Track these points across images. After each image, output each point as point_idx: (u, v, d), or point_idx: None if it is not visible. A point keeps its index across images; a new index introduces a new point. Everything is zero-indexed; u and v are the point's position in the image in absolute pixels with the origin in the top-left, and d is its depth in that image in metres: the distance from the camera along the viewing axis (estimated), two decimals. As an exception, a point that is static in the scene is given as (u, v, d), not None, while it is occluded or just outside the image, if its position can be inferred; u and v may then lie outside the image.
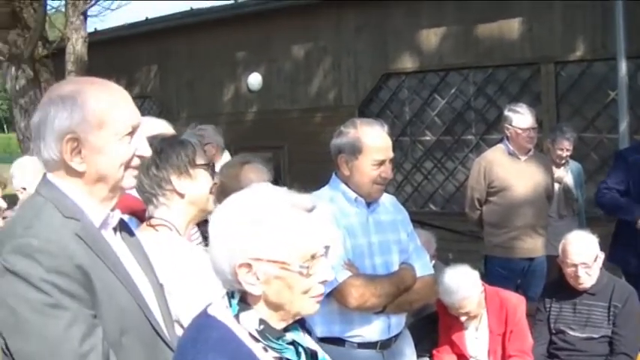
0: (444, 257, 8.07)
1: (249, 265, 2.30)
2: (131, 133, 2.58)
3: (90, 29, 12.80)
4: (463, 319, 5.99)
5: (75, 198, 2.57)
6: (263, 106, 15.63)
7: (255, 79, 15.44)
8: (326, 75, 14.75)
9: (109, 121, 2.53)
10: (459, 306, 5.90)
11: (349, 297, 4.13)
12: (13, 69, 11.72)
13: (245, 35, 15.47)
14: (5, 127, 70.77)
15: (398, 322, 4.48)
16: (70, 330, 2.35)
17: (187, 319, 2.87)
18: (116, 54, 16.35)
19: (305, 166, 13.15)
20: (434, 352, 6.17)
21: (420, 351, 4.82)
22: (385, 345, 4.40)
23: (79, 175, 2.56)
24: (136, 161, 2.63)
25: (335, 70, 14.68)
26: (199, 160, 3.37)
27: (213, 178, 3.46)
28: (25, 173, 6.06)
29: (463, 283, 5.86)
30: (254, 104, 15.83)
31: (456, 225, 10.99)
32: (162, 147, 3.30)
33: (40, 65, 12.30)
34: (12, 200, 5.91)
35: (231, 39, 15.71)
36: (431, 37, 13.29)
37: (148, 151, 2.66)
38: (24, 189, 5.91)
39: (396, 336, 4.48)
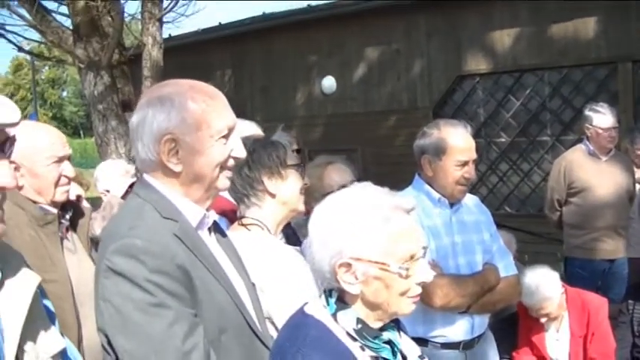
0: (519, 260, 8.00)
1: (348, 265, 2.32)
2: (227, 135, 2.62)
3: (164, 35, 12.90)
4: (543, 320, 5.94)
5: (172, 199, 2.62)
6: (337, 109, 15.63)
7: (328, 82, 15.48)
8: (399, 77, 14.71)
9: (206, 122, 2.57)
10: (540, 307, 5.85)
11: (434, 297, 4.12)
12: (92, 75, 11.88)
13: (318, 39, 15.51)
14: (81, 132, 72.07)
15: (481, 322, 4.47)
16: (173, 328, 2.39)
17: (279, 318, 2.92)
18: (191, 59, 16.50)
19: (379, 168, 13.15)
20: (514, 354, 6.12)
21: (499, 352, 4.78)
22: (468, 345, 4.39)
23: (176, 175, 2.61)
24: (231, 162, 2.67)
25: (408, 72, 14.63)
26: (290, 161, 3.41)
27: (303, 178, 3.49)
28: (108, 176, 6.17)
29: (543, 284, 5.81)
30: (328, 107, 15.84)
31: (532, 227, 10.88)
32: (254, 148, 3.34)
33: (117, 71, 12.45)
34: (94, 202, 6.02)
35: (304, 42, 15.76)
36: (504, 38, 13.17)
37: (243, 153, 2.69)
38: (107, 191, 6.03)
39: (479, 337, 4.46)
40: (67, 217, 3.75)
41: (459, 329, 4.37)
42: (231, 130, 2.64)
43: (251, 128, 4.13)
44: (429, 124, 4.54)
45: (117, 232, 2.56)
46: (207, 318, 2.51)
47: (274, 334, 2.92)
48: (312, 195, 4.29)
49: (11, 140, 1.80)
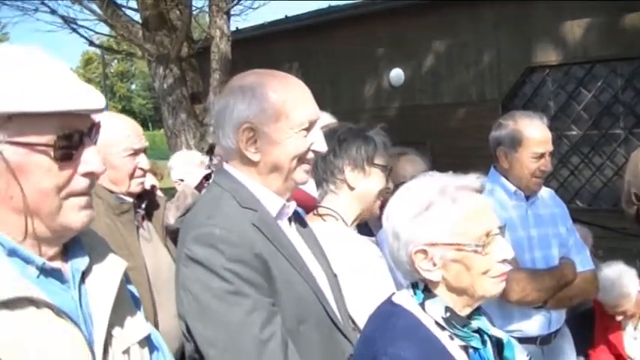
0: (595, 255, 7.85)
1: (424, 252, 2.32)
2: (308, 128, 2.61)
3: (232, 28, 12.97)
4: (619, 318, 5.81)
5: (251, 188, 2.63)
6: (405, 101, 15.58)
7: (397, 75, 15.43)
8: (468, 69, 14.59)
9: (285, 114, 2.57)
10: (616, 304, 5.72)
11: (510, 291, 4.03)
12: (161, 68, 12.01)
13: (386, 31, 15.47)
14: (150, 125, 73.15)
15: (558, 317, 4.37)
16: (251, 317, 2.40)
17: (355, 308, 2.93)
18: (258, 52, 16.55)
19: (448, 161, 12.92)
20: (590, 351, 5.99)
21: (575, 349, 4.67)
22: (545, 341, 4.30)
23: (254, 164, 2.62)
24: (310, 156, 2.65)
25: (477, 64, 14.50)
26: (378, 160, 3.36)
27: (387, 181, 3.45)
28: (183, 166, 6.21)
29: (620, 281, 5.69)
30: (396, 100, 15.79)
31: (605, 221, 10.66)
32: (345, 137, 3.32)
33: (186, 64, 12.59)
34: (167, 192, 6.05)
35: (371, 35, 15.73)
36: (575, 29, 12.98)
37: (323, 147, 2.67)
38: (181, 181, 6.06)
39: (556, 332, 4.37)
40: (143, 206, 3.80)
41: (535, 324, 4.29)
42: (312, 123, 2.63)
43: (326, 118, 4.09)
44: (505, 116, 4.48)
45: (196, 220, 2.59)
46: (286, 307, 2.51)
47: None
48: None
49: (97, 127, 1.83)
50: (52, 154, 1.72)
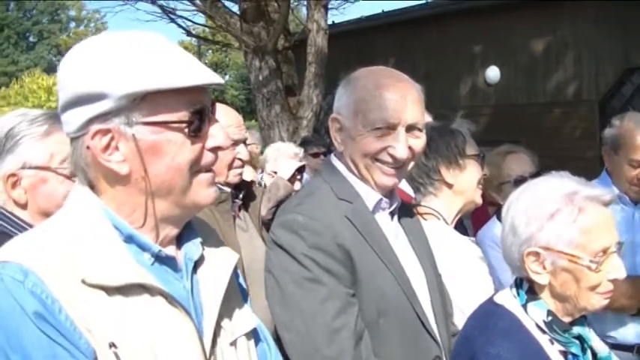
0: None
1: (537, 254, 2.28)
2: (385, 129, 2.57)
3: (329, 22, 13.00)
4: None
5: (351, 180, 2.65)
6: (500, 99, 15.38)
7: (493, 72, 15.26)
8: (565, 69, 14.33)
9: (360, 111, 2.57)
10: None
11: None
12: (257, 60, 12.09)
13: (482, 28, 15.30)
14: (242, 116, 73.86)
15: (658, 327, 4.21)
16: (325, 305, 2.42)
17: (454, 307, 2.92)
18: (354, 46, 16.56)
19: (543, 162, 12.78)
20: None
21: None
22: (643, 350, 4.16)
23: (343, 156, 2.68)
24: (387, 158, 2.60)
25: (575, 64, 14.23)
26: (470, 151, 3.32)
27: (482, 168, 3.39)
28: (277, 158, 6.23)
29: None
30: (491, 98, 15.61)
31: None
32: (431, 136, 3.25)
33: (281, 57, 12.66)
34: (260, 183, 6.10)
35: (468, 32, 15.58)
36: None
37: (402, 155, 2.59)
38: (275, 173, 6.08)
39: (657, 343, 4.21)
40: (240, 196, 3.80)
41: (630, 331, 4.18)
42: (392, 126, 2.57)
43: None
44: (620, 115, 4.32)
45: (287, 207, 2.66)
46: (366, 300, 2.51)
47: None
48: (490, 183, 4.22)
49: (214, 104, 1.86)
50: (185, 130, 1.75)
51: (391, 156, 2.60)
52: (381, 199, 2.67)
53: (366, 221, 2.60)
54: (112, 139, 1.73)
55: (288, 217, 2.55)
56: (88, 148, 1.74)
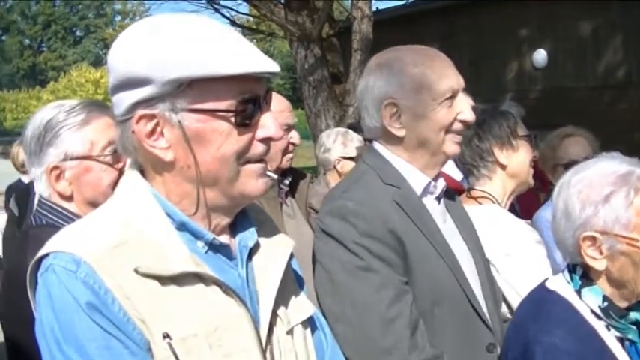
0: None
1: (593, 239, 2.22)
2: (451, 97, 2.53)
3: (373, 9, 12.95)
4: None
5: (397, 165, 2.59)
6: (548, 83, 15.23)
7: (540, 56, 15.12)
8: (615, 52, 14.12)
9: (425, 85, 2.50)
10: None
11: None
12: (302, 48, 12.09)
13: (529, 11, 15.15)
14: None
15: None
16: (379, 293, 2.36)
17: (512, 293, 2.89)
18: (399, 32, 16.43)
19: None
20: None
21: None
22: None
23: (399, 141, 2.58)
24: (458, 126, 2.57)
25: (624, 46, 14.03)
26: (521, 131, 3.28)
27: (533, 150, 3.36)
28: (346, 144, 6.17)
29: None
30: (539, 82, 15.46)
31: None
32: (483, 118, 3.24)
33: (327, 44, 12.64)
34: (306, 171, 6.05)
35: (516, 15, 15.44)
36: None
37: (471, 116, 2.58)
38: (343, 158, 6.00)
39: None
40: (287, 182, 3.79)
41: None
42: (455, 92, 2.55)
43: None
44: None
45: (333, 194, 2.61)
46: (420, 287, 2.45)
47: (504, 308, 2.86)
48: (545, 164, 4.19)
49: (270, 93, 1.81)
50: (232, 119, 1.71)
51: (462, 122, 2.57)
52: (430, 183, 2.62)
53: (414, 206, 2.55)
54: (157, 124, 1.70)
55: (337, 204, 2.49)
56: (133, 132, 1.72)
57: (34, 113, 2.75)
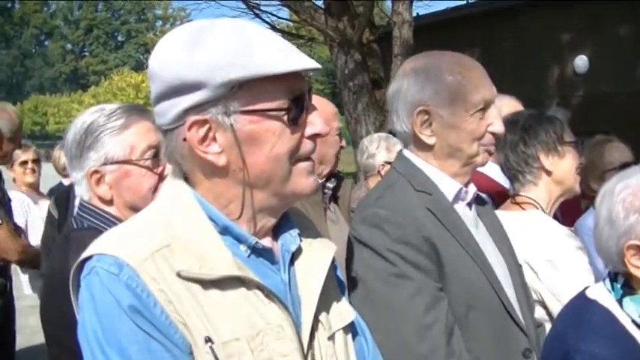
0: None
1: (637, 247, 2.19)
2: (484, 109, 2.50)
3: (413, 14, 12.93)
4: None
5: (428, 172, 2.56)
6: (590, 89, 15.11)
7: (582, 62, 15.01)
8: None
9: (460, 95, 2.47)
10: None
11: None
12: (342, 53, 12.10)
13: (571, 17, 15.03)
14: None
15: None
16: (414, 300, 2.33)
17: (554, 301, 2.86)
18: (439, 38, 16.37)
19: (636, 154, 12.56)
20: None
21: None
22: None
23: (429, 148, 2.56)
24: (489, 138, 2.54)
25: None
26: (567, 138, 3.25)
27: (580, 156, 3.33)
28: (390, 149, 6.16)
29: None
30: (580, 88, 15.35)
31: None
32: (530, 123, 3.23)
33: (367, 50, 12.64)
34: (348, 176, 6.05)
35: (557, 21, 15.33)
36: None
37: (501, 129, 2.56)
38: (387, 163, 5.99)
39: None
40: (330, 186, 3.78)
41: None
42: (488, 103, 2.52)
43: (511, 104, 4.01)
44: None
45: (366, 202, 2.58)
46: (455, 293, 2.41)
47: (542, 315, 2.85)
48: (592, 173, 4.19)
49: (310, 90, 1.81)
50: (284, 118, 1.70)
51: (492, 133, 2.54)
52: (461, 189, 2.59)
53: (446, 212, 2.52)
54: (210, 129, 1.69)
55: (369, 211, 2.47)
56: (184, 140, 1.70)
57: (76, 117, 2.77)
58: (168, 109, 1.71)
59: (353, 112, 12.06)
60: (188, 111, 1.68)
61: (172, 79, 1.67)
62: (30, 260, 5.71)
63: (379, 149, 5.90)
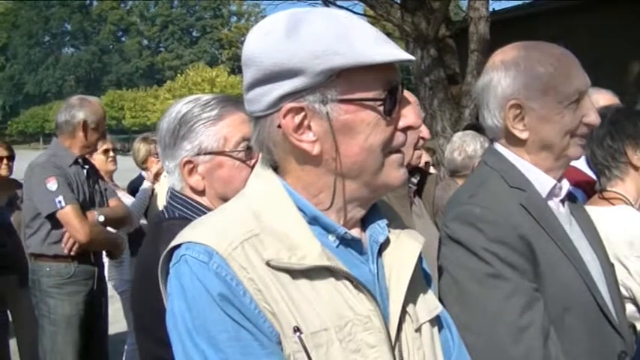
0: None
1: None
2: (577, 100, 2.42)
3: (489, 9, 12.80)
4: None
5: (521, 167, 2.50)
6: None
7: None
8: None
9: (553, 87, 2.40)
10: None
11: None
12: (418, 48, 12.04)
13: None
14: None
15: None
16: (510, 302, 2.26)
17: None
18: (517, 33, 16.16)
19: None
20: None
21: None
22: None
23: (522, 143, 2.50)
24: (583, 130, 2.47)
25: None
26: None
27: None
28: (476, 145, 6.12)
29: None
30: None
31: None
32: (617, 118, 3.18)
33: (443, 45, 12.56)
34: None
35: (635, 15, 15.03)
36: None
37: (596, 120, 2.48)
38: None
39: None
40: (415, 181, 3.72)
41: None
42: (582, 94, 2.44)
43: (607, 97, 3.94)
44: None
45: (458, 199, 2.53)
46: (551, 294, 2.34)
47: (633, 313, 2.80)
48: None
49: (402, 83, 1.76)
50: (380, 109, 1.68)
51: (587, 125, 2.47)
52: (555, 185, 2.52)
53: (541, 209, 2.45)
54: (305, 117, 1.67)
55: (463, 209, 2.42)
56: (279, 126, 1.69)
57: (168, 107, 2.78)
58: (263, 96, 1.70)
59: (429, 108, 11.97)
60: (284, 98, 1.67)
61: (270, 66, 1.66)
62: (100, 243, 5.82)
63: (477, 148, 5.86)
